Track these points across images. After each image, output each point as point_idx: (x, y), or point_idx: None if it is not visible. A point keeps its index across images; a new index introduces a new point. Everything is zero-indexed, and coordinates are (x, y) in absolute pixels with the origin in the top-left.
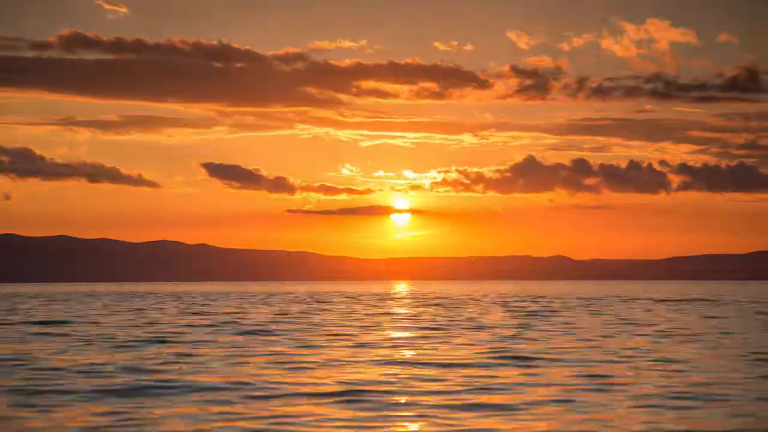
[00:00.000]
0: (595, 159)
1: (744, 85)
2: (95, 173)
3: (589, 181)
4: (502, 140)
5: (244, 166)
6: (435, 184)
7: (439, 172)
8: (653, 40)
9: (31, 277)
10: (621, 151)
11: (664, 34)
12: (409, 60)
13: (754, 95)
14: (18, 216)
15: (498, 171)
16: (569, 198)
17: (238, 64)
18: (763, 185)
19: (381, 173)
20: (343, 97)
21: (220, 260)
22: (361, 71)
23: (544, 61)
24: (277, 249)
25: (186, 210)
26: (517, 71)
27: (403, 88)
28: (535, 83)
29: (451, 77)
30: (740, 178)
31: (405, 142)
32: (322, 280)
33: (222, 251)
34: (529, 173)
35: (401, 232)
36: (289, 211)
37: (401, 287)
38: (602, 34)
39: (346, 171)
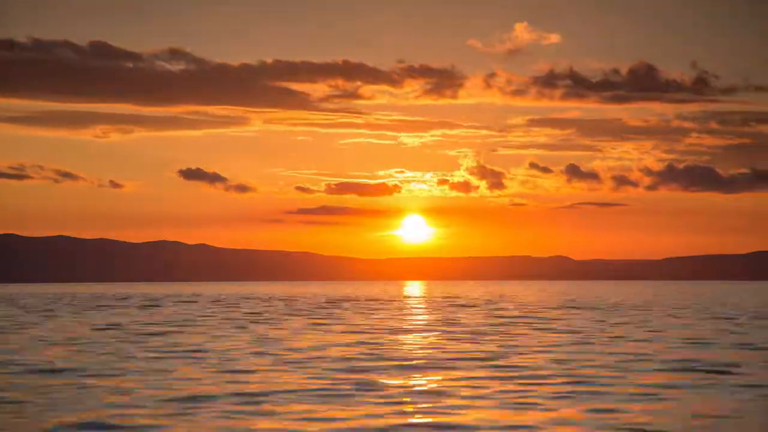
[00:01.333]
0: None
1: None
2: None
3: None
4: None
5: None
6: (435, 184)
7: (436, 172)
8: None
9: (28, 277)
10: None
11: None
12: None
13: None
14: None
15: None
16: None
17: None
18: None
19: (381, 172)
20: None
21: (220, 260)
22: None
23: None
24: (277, 249)
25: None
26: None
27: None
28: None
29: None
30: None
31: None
32: (322, 280)
33: (222, 251)
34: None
35: (404, 232)
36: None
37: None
38: None
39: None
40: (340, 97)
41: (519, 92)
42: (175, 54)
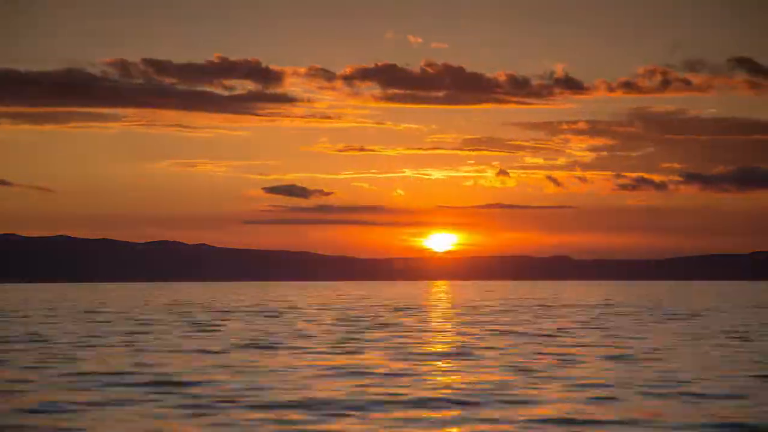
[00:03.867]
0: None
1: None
2: None
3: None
4: None
5: None
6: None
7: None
8: None
9: (26, 276)
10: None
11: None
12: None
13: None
14: None
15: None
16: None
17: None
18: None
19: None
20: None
21: (220, 260)
22: None
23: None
24: (277, 249)
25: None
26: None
27: None
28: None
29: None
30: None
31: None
32: (322, 280)
33: (222, 251)
34: None
35: (398, 231)
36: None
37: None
38: None
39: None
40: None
41: None
42: None
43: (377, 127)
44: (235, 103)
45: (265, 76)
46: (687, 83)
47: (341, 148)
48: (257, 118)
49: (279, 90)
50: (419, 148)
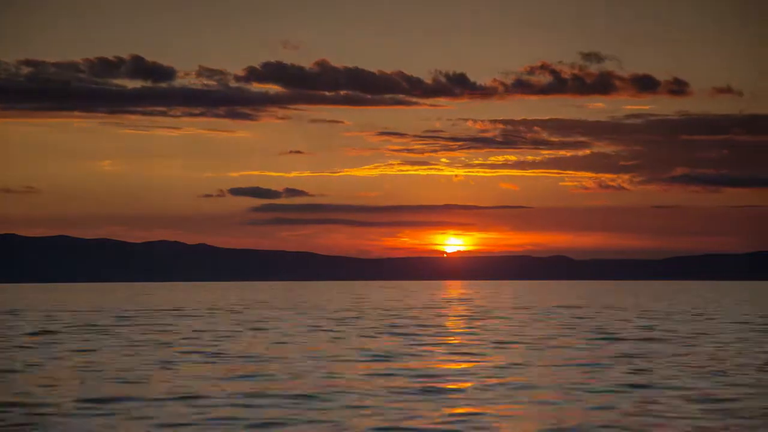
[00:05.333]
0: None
1: None
2: None
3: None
4: None
5: None
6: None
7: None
8: None
9: (25, 276)
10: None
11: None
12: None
13: None
14: None
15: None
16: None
17: None
18: None
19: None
20: None
21: (219, 260)
22: None
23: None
24: (277, 249)
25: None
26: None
27: None
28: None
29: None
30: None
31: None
32: (322, 280)
33: (222, 251)
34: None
35: (398, 230)
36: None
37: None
38: None
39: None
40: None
41: None
42: None
43: None
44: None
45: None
46: None
47: None
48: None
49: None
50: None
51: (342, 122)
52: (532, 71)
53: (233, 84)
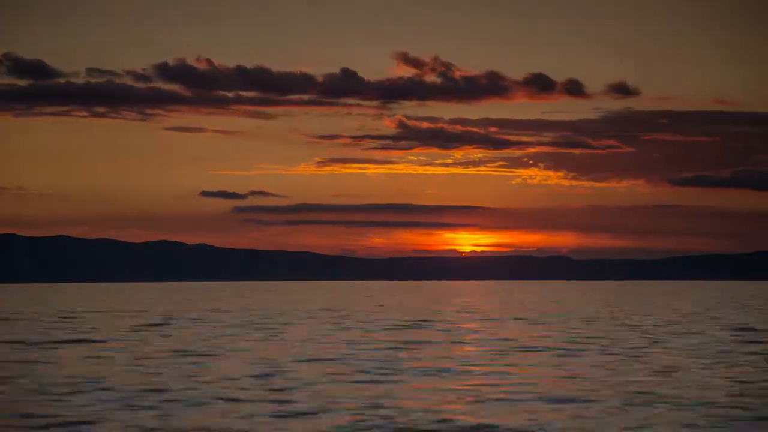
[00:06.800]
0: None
1: None
2: None
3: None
4: None
5: None
6: None
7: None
8: None
9: (25, 276)
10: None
11: None
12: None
13: None
14: None
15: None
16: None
17: None
18: None
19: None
20: None
21: (219, 260)
22: None
23: None
24: (277, 249)
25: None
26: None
27: None
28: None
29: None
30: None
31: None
32: (322, 280)
33: (222, 251)
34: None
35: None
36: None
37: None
38: None
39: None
40: None
41: None
42: None
43: None
44: None
45: None
46: None
47: None
48: None
49: None
50: None
51: None
52: None
53: None
